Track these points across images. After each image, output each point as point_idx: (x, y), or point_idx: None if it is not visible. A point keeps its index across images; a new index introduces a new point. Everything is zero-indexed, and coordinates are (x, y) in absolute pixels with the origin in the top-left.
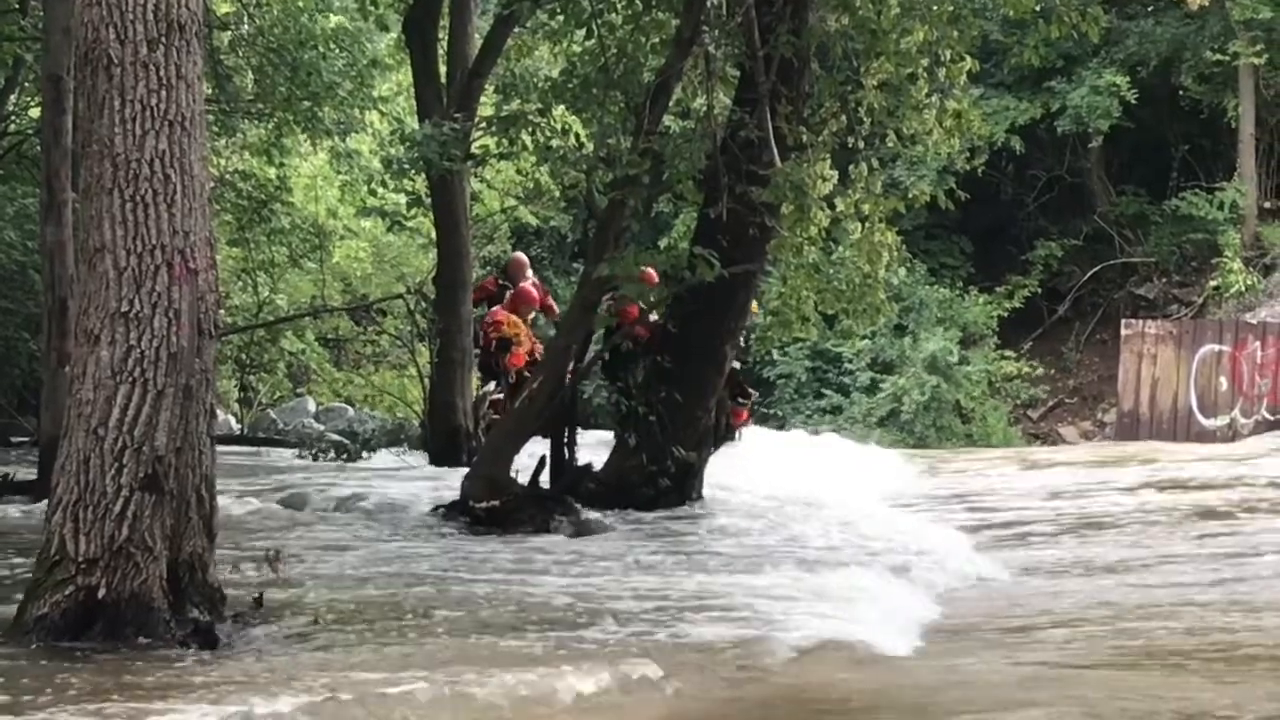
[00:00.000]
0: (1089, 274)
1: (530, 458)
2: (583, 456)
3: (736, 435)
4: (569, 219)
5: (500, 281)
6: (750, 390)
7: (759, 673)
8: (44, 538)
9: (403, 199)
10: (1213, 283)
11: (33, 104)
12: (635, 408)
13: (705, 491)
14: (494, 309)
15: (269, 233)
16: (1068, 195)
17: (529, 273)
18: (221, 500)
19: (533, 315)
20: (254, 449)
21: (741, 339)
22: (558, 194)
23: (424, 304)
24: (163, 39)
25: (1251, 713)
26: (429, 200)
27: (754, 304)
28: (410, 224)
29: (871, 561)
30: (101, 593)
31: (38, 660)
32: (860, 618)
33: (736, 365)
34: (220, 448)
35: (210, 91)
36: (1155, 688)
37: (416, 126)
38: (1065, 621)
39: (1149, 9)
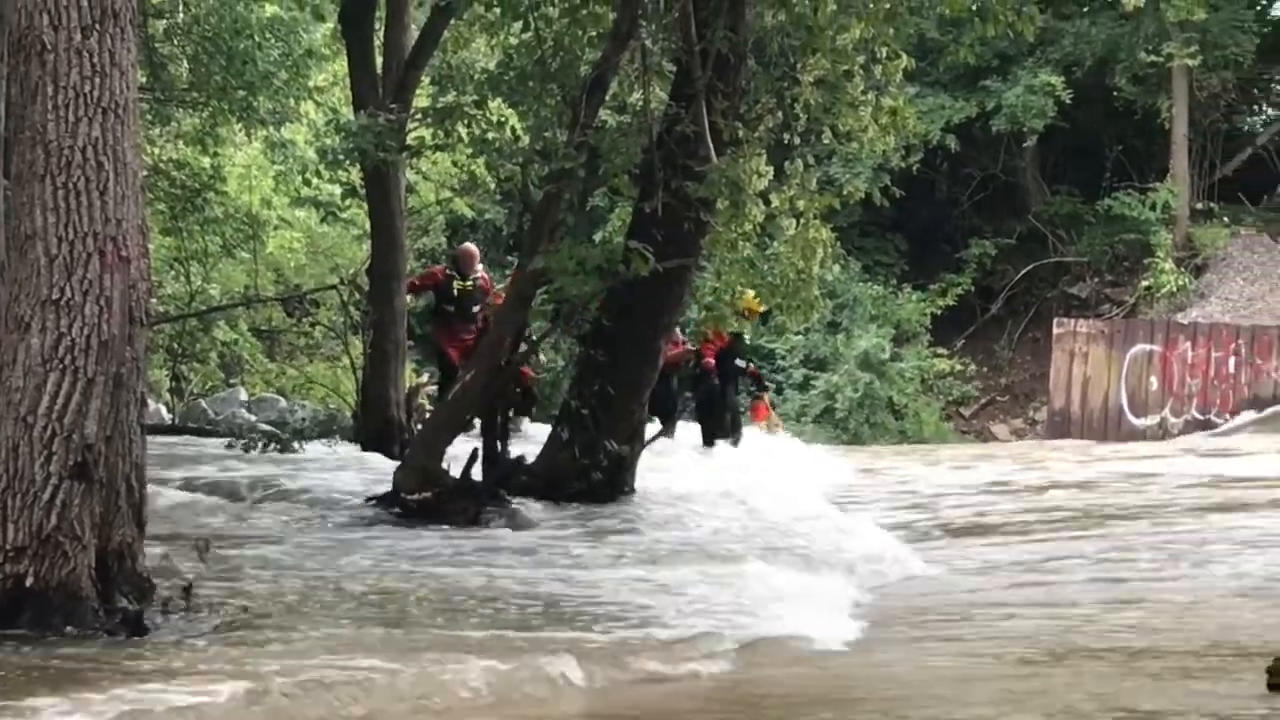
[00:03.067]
0: (1022, 273)
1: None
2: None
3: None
4: (504, 212)
5: (448, 272)
6: (767, 386)
7: (691, 668)
8: None
9: (337, 190)
10: (1144, 283)
11: None
12: (568, 401)
13: (639, 485)
14: (498, 293)
15: (202, 222)
16: (1002, 194)
17: (478, 264)
18: (151, 489)
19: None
20: (185, 438)
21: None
22: (493, 186)
23: (357, 295)
24: (97, 25)
25: (1182, 709)
26: (364, 191)
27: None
28: (345, 215)
29: (806, 557)
30: (29, 581)
31: None
32: (794, 613)
33: (742, 364)
34: (151, 437)
35: (145, 80)
36: (1086, 683)
37: (352, 117)
38: (998, 617)
39: (1084, 9)
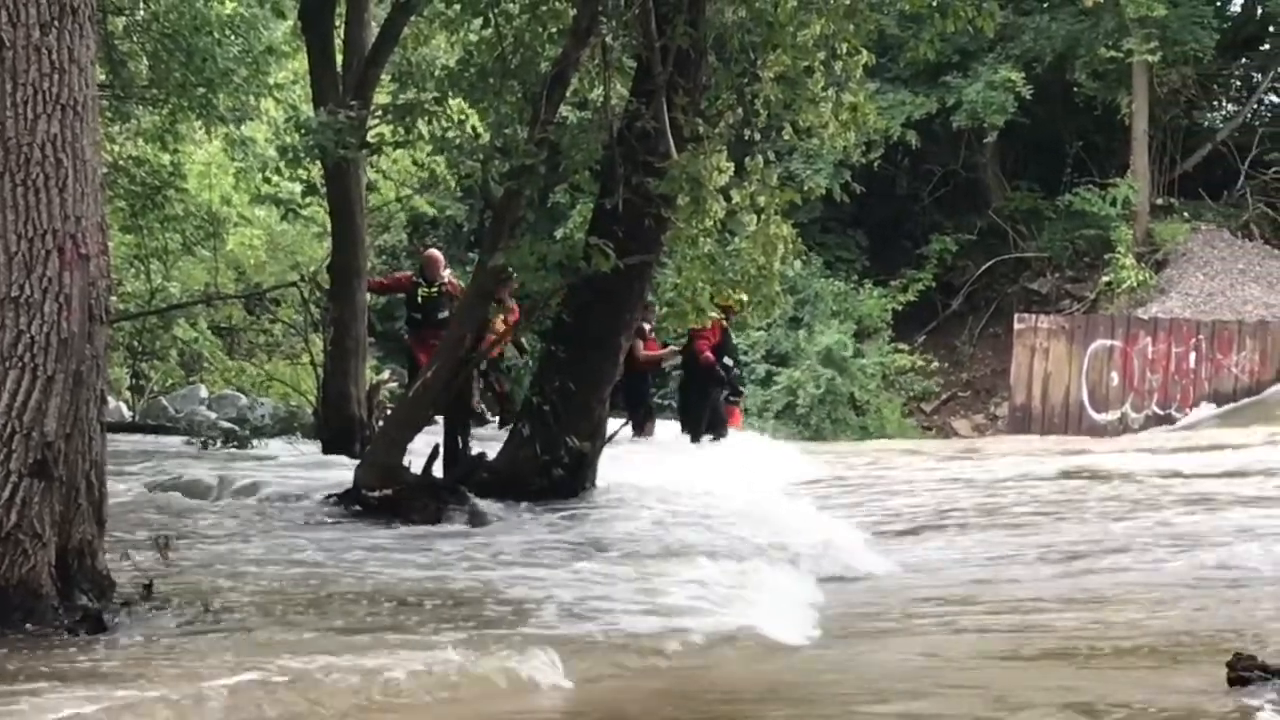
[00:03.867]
0: (983, 268)
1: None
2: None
3: (727, 433)
4: (465, 209)
5: (415, 279)
6: (741, 390)
7: (652, 664)
8: None
9: (298, 187)
10: (1105, 278)
11: None
12: (529, 398)
13: (604, 481)
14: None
15: (162, 219)
16: (963, 190)
17: (444, 270)
18: (112, 487)
19: None
20: (145, 436)
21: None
22: (454, 184)
23: (318, 292)
24: (55, 22)
25: (1142, 704)
26: (324, 189)
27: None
28: (305, 212)
29: (767, 553)
30: None
31: None
32: (754, 609)
33: (730, 363)
34: (111, 435)
35: (104, 77)
36: (1043, 678)
37: (312, 114)
38: (957, 613)
39: (1044, 5)
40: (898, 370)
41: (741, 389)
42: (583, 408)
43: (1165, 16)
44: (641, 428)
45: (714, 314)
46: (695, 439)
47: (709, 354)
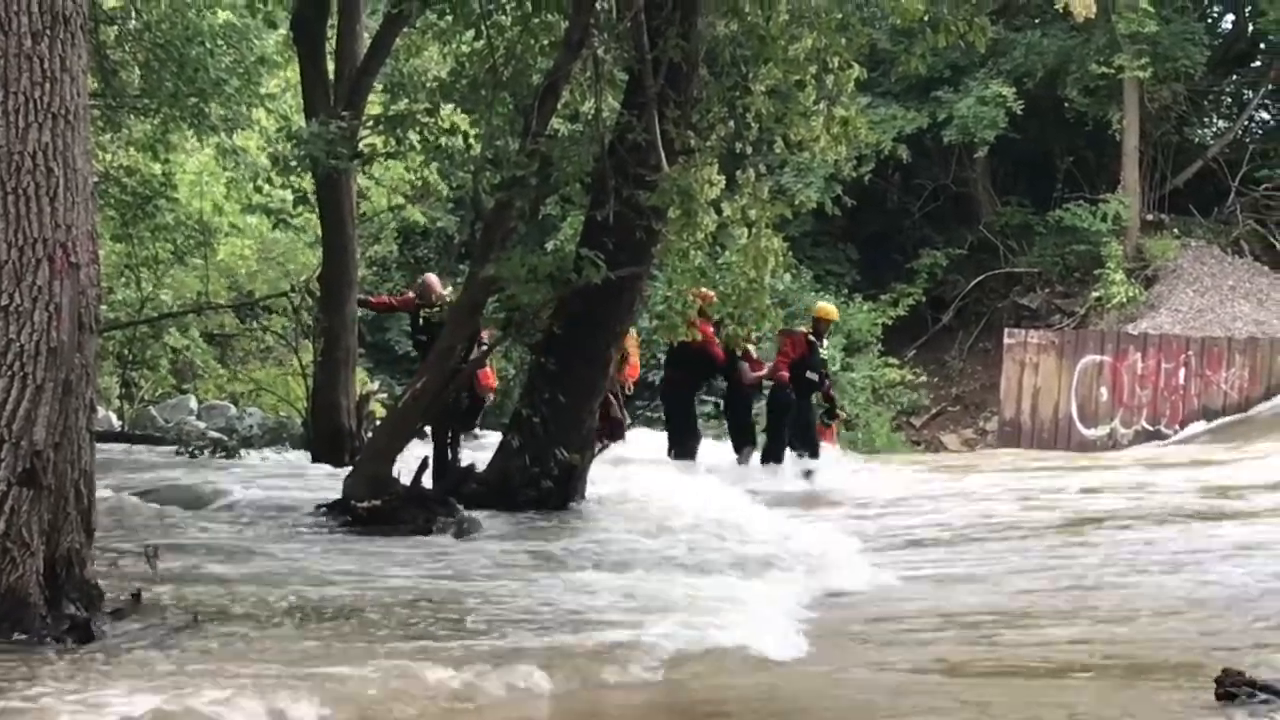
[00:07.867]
0: (973, 283)
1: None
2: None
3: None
4: (456, 220)
5: (418, 301)
6: (841, 409)
7: (638, 677)
8: None
9: (289, 196)
10: (1095, 294)
11: None
12: (519, 409)
13: (601, 492)
14: None
15: (153, 228)
16: (953, 205)
17: (443, 290)
18: (100, 496)
19: None
20: (134, 445)
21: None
22: (445, 194)
23: (308, 302)
24: (47, 31)
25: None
26: (315, 198)
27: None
28: (296, 222)
29: (757, 565)
30: None
31: None
32: (743, 622)
33: (814, 377)
34: (100, 444)
35: (96, 86)
36: (1036, 695)
37: (304, 124)
38: (950, 627)
39: (1036, 21)
40: (887, 384)
41: (841, 409)
42: (573, 419)
43: (1156, 33)
44: (740, 449)
45: (802, 328)
46: (775, 459)
47: (784, 372)
